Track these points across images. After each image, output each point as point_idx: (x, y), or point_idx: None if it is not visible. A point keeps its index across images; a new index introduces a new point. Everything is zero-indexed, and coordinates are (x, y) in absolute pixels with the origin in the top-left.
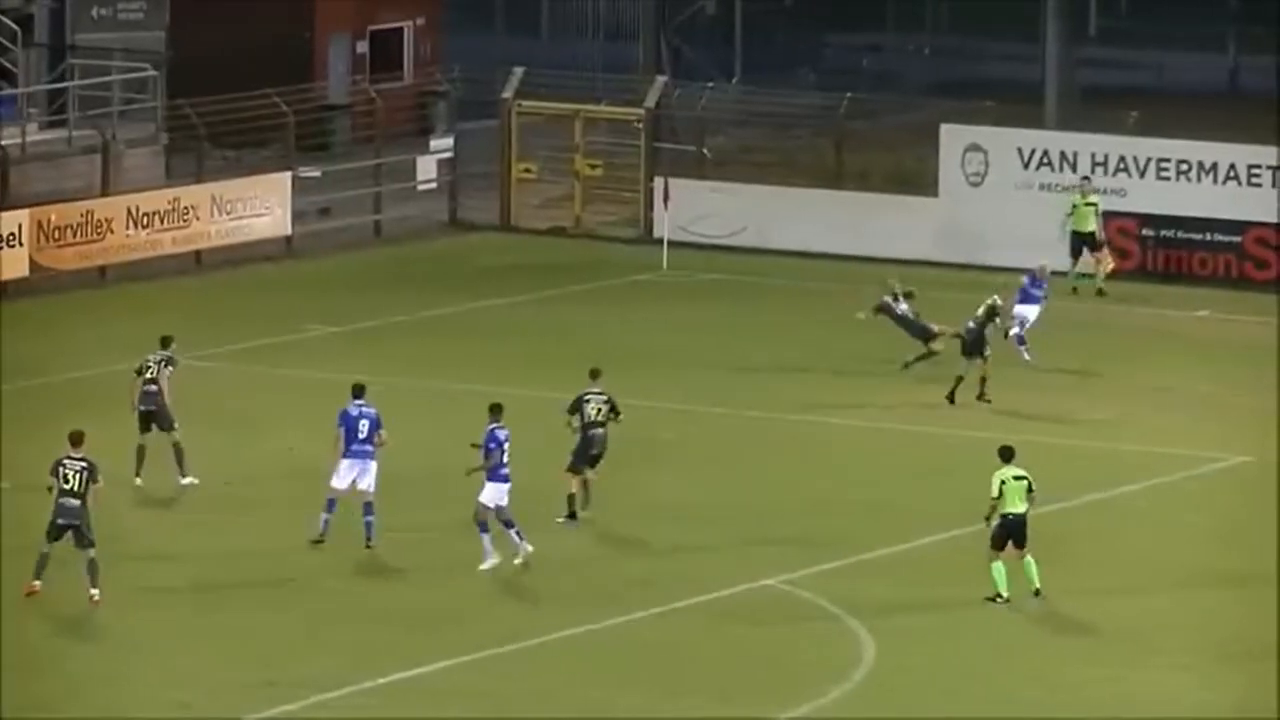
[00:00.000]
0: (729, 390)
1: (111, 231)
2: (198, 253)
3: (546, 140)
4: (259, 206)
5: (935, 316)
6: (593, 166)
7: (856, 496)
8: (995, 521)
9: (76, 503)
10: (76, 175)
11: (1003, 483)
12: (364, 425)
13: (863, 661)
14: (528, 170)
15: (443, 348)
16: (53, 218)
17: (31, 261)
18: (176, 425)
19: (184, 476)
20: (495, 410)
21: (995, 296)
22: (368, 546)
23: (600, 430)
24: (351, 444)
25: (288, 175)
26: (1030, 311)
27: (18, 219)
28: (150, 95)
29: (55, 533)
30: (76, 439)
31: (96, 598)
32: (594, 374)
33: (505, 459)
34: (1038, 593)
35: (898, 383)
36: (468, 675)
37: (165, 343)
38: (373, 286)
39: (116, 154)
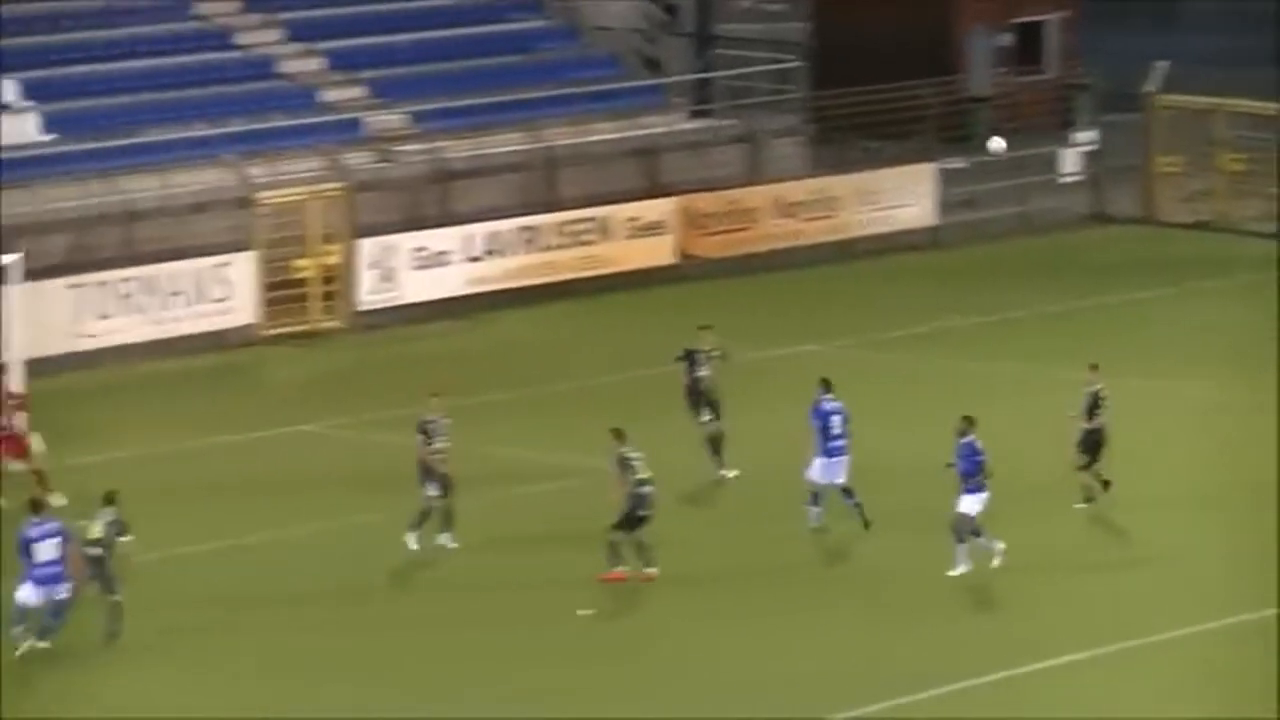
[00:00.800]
0: None
1: (757, 221)
2: (843, 242)
3: (1188, 134)
4: (903, 197)
5: None
6: (1235, 161)
7: None
8: None
9: (654, 489)
10: (721, 164)
11: None
12: (836, 421)
13: None
14: (1172, 164)
15: (1083, 339)
16: (700, 206)
17: (678, 249)
18: (707, 417)
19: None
20: (969, 422)
21: None
22: (865, 526)
23: (1098, 425)
24: (828, 441)
25: (932, 166)
26: None
27: (665, 207)
28: (795, 86)
29: (636, 524)
30: (619, 435)
31: (654, 574)
32: (1093, 367)
33: (980, 471)
34: None
35: None
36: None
37: (703, 334)
38: (1016, 277)
39: (762, 144)
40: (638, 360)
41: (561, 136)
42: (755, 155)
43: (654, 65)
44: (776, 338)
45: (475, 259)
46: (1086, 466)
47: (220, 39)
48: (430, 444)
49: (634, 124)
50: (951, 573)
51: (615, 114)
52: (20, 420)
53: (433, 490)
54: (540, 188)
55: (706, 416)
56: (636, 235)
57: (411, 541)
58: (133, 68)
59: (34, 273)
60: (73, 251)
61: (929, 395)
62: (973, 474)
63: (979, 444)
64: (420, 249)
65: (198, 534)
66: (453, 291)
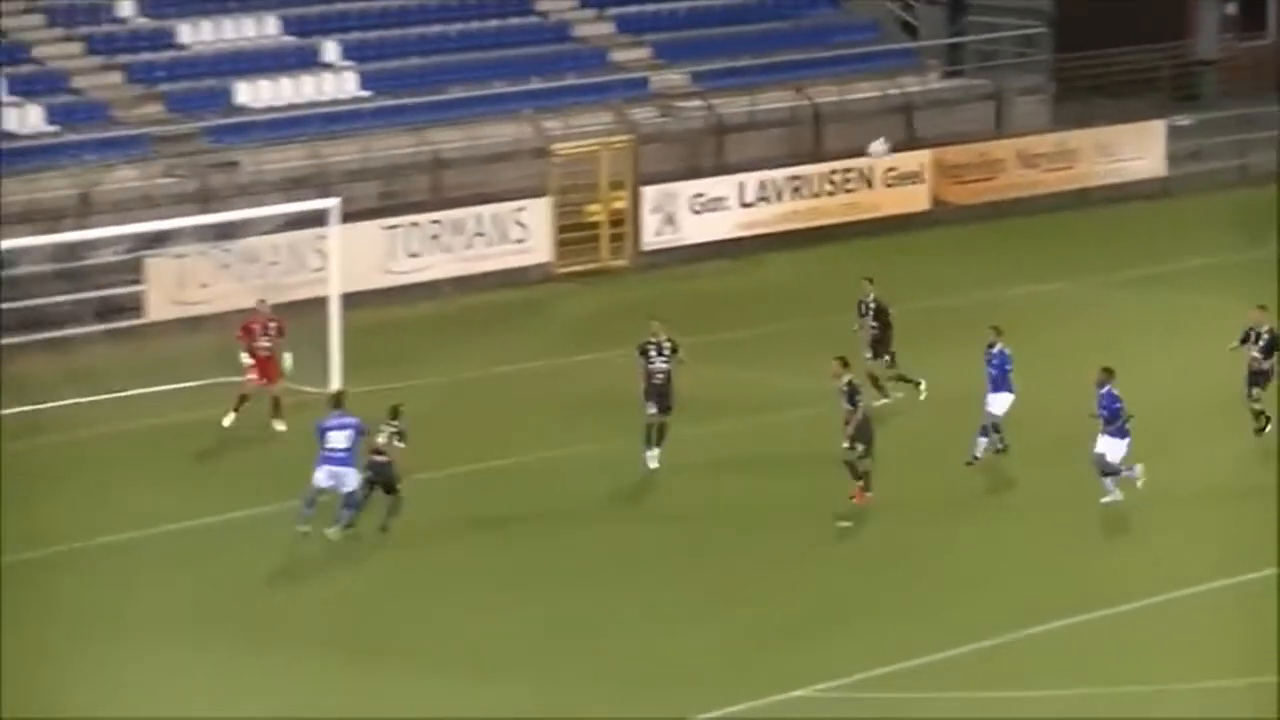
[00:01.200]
0: None
1: (1003, 171)
2: (1080, 191)
3: None
4: (1136, 150)
5: None
6: None
7: None
8: None
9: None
10: (971, 120)
11: None
12: (1004, 363)
13: None
14: None
15: None
16: (951, 158)
17: (932, 196)
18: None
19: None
20: (1108, 373)
21: None
22: (997, 451)
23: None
24: (1000, 380)
25: (1162, 123)
26: None
27: (920, 158)
28: (1039, 49)
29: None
30: (844, 363)
31: (869, 497)
32: (1261, 307)
33: (1121, 418)
34: None
35: None
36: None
37: (865, 285)
38: (1237, 224)
39: (1008, 101)
40: (893, 297)
41: (826, 94)
42: (1002, 111)
43: (910, 30)
44: (1019, 277)
45: (748, 205)
46: (1250, 396)
47: (521, 5)
48: (650, 364)
49: (892, 83)
50: (1104, 500)
51: (875, 74)
52: (277, 345)
53: (651, 409)
54: (806, 141)
55: (869, 354)
56: (894, 184)
57: (651, 461)
58: (442, 31)
59: (351, 215)
60: (386, 196)
61: (1156, 329)
62: (1113, 420)
63: (1117, 392)
64: (698, 195)
65: (486, 452)
66: (727, 234)
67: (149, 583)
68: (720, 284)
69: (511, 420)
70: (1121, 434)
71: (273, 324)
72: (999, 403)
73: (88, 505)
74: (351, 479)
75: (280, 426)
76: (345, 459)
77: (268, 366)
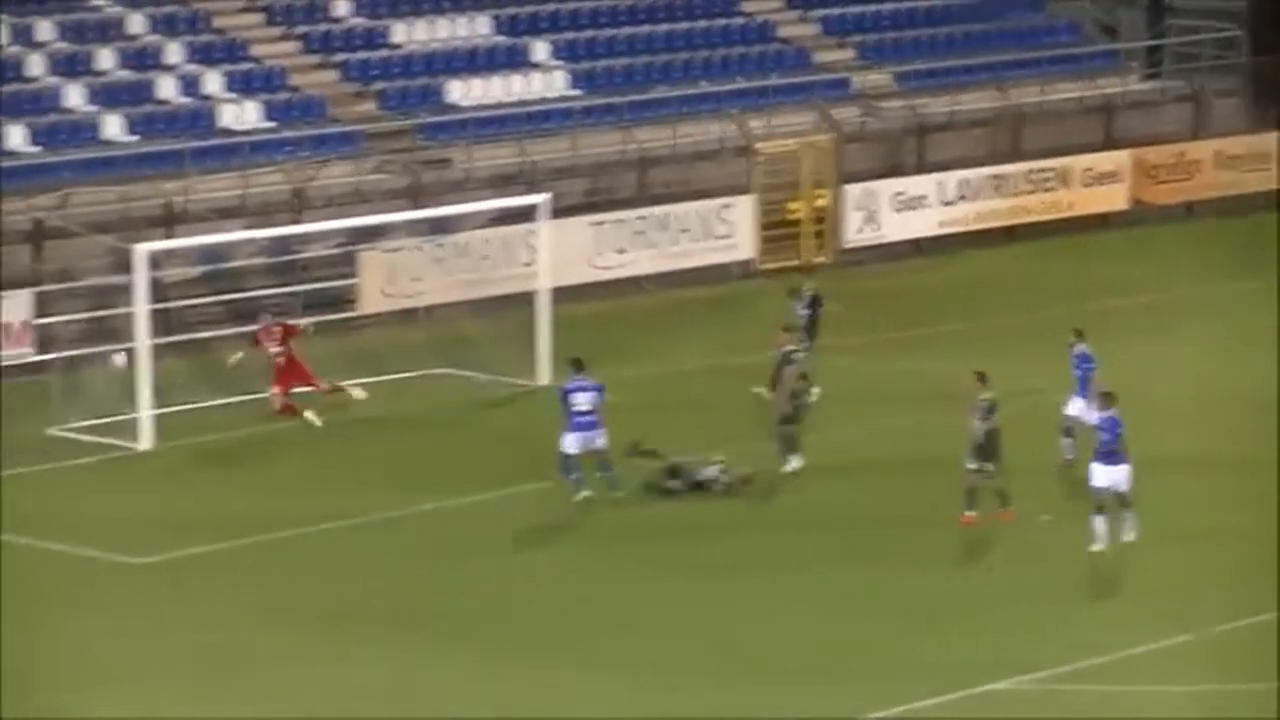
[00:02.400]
0: None
1: (1200, 171)
2: (1274, 192)
3: None
4: None
5: None
6: None
7: None
8: None
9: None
10: (1169, 121)
11: None
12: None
13: None
14: None
15: None
16: (1150, 158)
17: (1130, 196)
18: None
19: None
20: (1107, 399)
21: None
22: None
23: None
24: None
25: None
26: None
27: (1119, 158)
28: (1236, 52)
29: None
30: (981, 377)
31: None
32: None
33: (1116, 444)
34: None
35: None
36: None
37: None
38: None
39: (1205, 103)
40: (1090, 294)
41: (1027, 95)
42: (1200, 113)
43: (1111, 32)
44: (1217, 276)
45: (948, 203)
46: None
47: (727, 6)
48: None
49: (1092, 84)
50: (1090, 548)
51: (1075, 75)
52: (289, 349)
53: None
54: (1007, 140)
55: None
56: (1092, 183)
57: (792, 463)
58: (649, 31)
59: (560, 211)
60: (593, 193)
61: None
62: (1107, 447)
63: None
64: (899, 193)
65: (683, 446)
66: (927, 232)
67: (360, 573)
68: (919, 280)
69: (711, 414)
70: (1111, 459)
71: (276, 329)
72: (1081, 410)
73: (296, 496)
74: (599, 435)
75: (316, 421)
76: (593, 422)
77: (284, 374)
